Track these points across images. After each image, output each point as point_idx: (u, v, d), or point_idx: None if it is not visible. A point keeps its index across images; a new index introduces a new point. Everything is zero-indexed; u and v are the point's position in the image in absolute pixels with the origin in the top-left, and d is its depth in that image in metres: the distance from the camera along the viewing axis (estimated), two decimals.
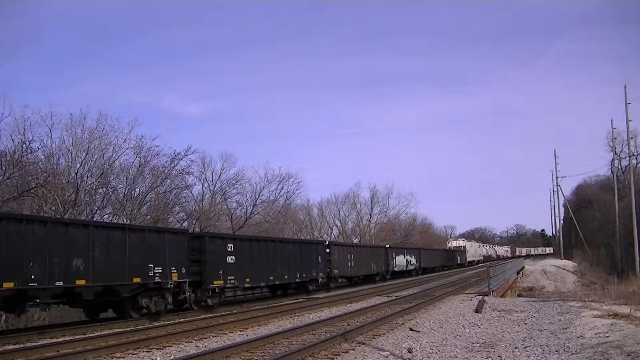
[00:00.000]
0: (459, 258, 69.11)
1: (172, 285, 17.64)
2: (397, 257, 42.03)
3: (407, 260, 44.79)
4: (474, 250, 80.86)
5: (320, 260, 28.19)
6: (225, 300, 22.24)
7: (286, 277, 24.78)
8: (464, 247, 75.82)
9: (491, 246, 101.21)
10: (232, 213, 43.73)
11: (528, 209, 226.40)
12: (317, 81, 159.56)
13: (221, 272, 19.97)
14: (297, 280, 25.82)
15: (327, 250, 29.68)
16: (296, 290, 26.79)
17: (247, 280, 21.76)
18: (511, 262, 56.59)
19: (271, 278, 23.58)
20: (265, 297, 26.37)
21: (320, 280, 28.00)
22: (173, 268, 17.70)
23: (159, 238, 17.51)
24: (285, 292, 26.37)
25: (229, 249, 20.65)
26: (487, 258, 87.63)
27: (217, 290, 19.83)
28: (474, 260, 78.23)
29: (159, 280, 17.07)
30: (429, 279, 39.74)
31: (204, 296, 19.21)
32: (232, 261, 20.70)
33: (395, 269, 41.52)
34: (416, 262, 47.51)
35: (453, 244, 77.65)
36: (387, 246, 41.55)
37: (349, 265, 32.40)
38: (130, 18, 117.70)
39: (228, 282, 20.37)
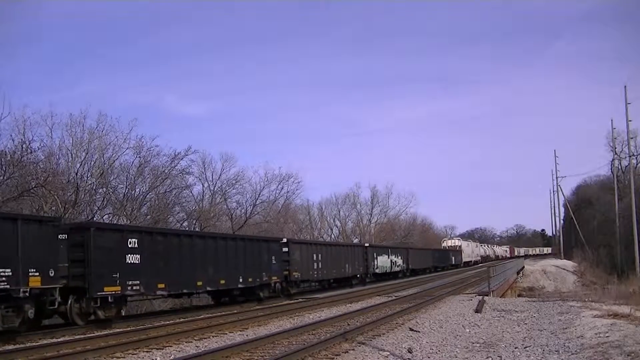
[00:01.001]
0: (453, 258, 65.39)
1: (28, 294, 12.87)
2: (379, 258, 37.71)
3: (391, 260, 40.55)
4: (471, 250, 77.23)
5: (274, 261, 23.58)
6: (131, 313, 18.86)
7: (223, 282, 19.89)
8: (460, 246, 71.91)
9: (489, 246, 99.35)
10: (232, 213, 43.77)
11: (528, 209, 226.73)
12: (317, 81, 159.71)
13: (117, 275, 15.37)
14: (240, 285, 21.08)
15: (285, 249, 25.04)
16: (245, 297, 22.23)
17: (161, 286, 16.90)
18: (511, 262, 56.42)
19: (199, 283, 18.62)
20: (198, 307, 21.86)
21: (274, 285, 23.61)
22: (33, 269, 13.05)
23: (6, 228, 12.77)
24: (234, 300, 21.87)
25: (130, 245, 16.02)
26: (485, 258, 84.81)
27: (110, 300, 15.19)
28: (471, 261, 75.02)
29: (6, 286, 12.46)
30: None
31: (89, 307, 14.72)
32: (136, 261, 16.10)
33: (377, 270, 37.16)
34: (403, 263, 43.56)
35: (448, 243, 73.36)
36: (366, 245, 37.50)
37: (316, 266, 27.88)
38: (130, 18, 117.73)
39: (129, 288, 15.78)
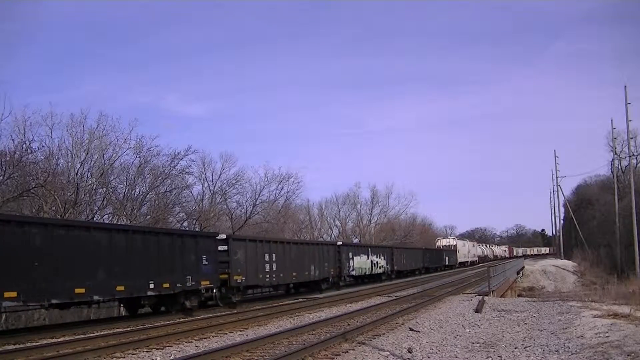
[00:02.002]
0: (447, 259, 61.12)
1: None
2: (355, 258, 33.40)
3: (372, 261, 36.31)
4: (467, 250, 73.51)
5: (205, 262, 19.00)
6: None
7: (121, 288, 15.34)
8: (455, 246, 68.21)
9: (487, 246, 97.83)
10: (232, 213, 43.79)
11: (528, 209, 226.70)
12: (317, 81, 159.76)
13: None
14: (151, 293, 16.49)
15: (223, 247, 20.44)
16: (167, 307, 18.26)
17: (10, 295, 12.21)
18: (511, 262, 55.84)
19: (79, 290, 14.02)
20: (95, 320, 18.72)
21: (204, 291, 19.09)
22: None
23: None
24: (156, 309, 18.51)
25: None
26: (483, 259, 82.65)
27: None
28: (467, 262, 71.54)
29: None
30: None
31: None
32: None
33: (353, 272, 32.99)
34: (386, 264, 39.33)
35: (442, 242, 69.59)
36: (340, 243, 33.24)
37: (268, 269, 23.22)
38: (131, 18, 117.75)
39: None
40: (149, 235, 17.12)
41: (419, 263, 49.09)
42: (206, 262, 19.25)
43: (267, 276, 23.30)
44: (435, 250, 61.32)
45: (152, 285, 16.54)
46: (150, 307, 18.44)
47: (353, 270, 33.01)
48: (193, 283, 18.42)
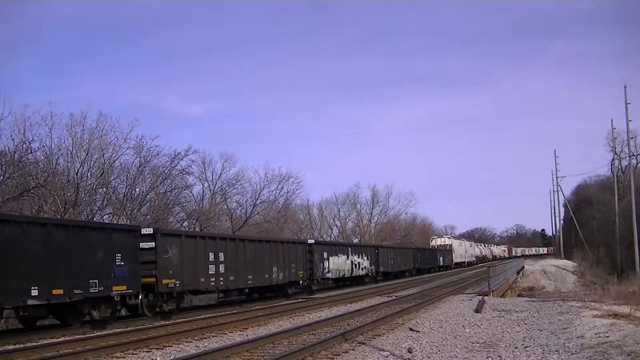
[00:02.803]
0: (442, 259, 57.63)
1: None
2: (331, 258, 29.80)
3: (352, 262, 32.85)
4: (463, 250, 70.33)
5: (120, 262, 15.45)
6: None
7: None
8: (450, 245, 64.85)
9: (486, 245, 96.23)
10: (232, 213, 43.81)
11: (528, 209, 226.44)
12: (317, 81, 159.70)
13: None
14: (32, 302, 13.09)
15: (148, 244, 16.87)
16: (63, 317, 15.03)
17: None
18: (511, 262, 55.59)
19: None
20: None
21: (118, 298, 15.49)
22: None
23: None
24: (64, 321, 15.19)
25: None
26: (481, 259, 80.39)
27: None
28: (464, 262, 68.53)
29: None
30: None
31: None
32: None
33: (329, 275, 29.73)
34: (370, 265, 35.82)
35: (437, 242, 66.19)
36: (311, 242, 29.24)
37: (214, 270, 19.65)
38: (131, 18, 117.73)
39: None
40: (32, 227, 13.39)
41: (409, 264, 45.65)
42: (121, 262, 15.50)
43: (213, 279, 19.57)
44: (428, 250, 57.60)
45: (34, 292, 12.94)
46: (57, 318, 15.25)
47: (328, 272, 29.50)
48: (101, 288, 14.72)
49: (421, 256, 49.95)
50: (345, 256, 32.20)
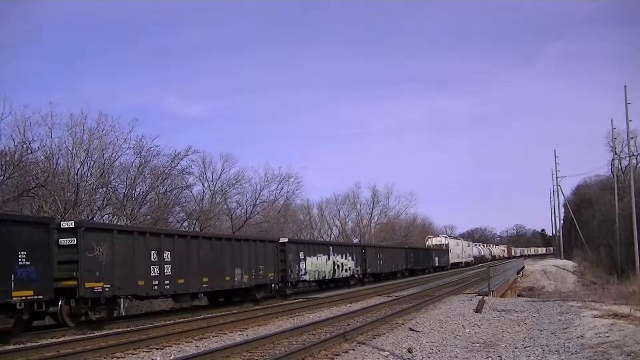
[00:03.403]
0: (437, 259, 54.70)
1: None
2: (309, 259, 26.82)
3: (335, 263, 29.79)
4: (461, 250, 67.57)
5: (25, 262, 12.72)
6: None
7: None
8: (447, 245, 62.42)
9: (485, 245, 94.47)
10: (232, 213, 43.81)
11: (528, 209, 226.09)
12: (317, 81, 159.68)
13: None
14: None
15: (70, 240, 14.43)
16: None
17: None
18: (510, 262, 55.29)
19: None
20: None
21: (21, 305, 12.56)
22: None
23: None
24: None
25: None
26: (480, 259, 78.49)
27: None
28: (461, 262, 65.96)
29: None
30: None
31: None
32: None
33: (306, 277, 26.71)
34: (356, 267, 32.94)
35: (433, 241, 63.56)
36: (283, 240, 25.72)
37: (158, 272, 16.89)
38: (131, 18, 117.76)
39: None
40: None
41: (400, 264, 42.51)
42: (26, 262, 12.76)
43: (156, 283, 16.80)
44: (422, 249, 54.45)
45: None
46: None
47: (305, 274, 26.45)
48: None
49: (414, 256, 46.89)
50: (326, 256, 28.96)
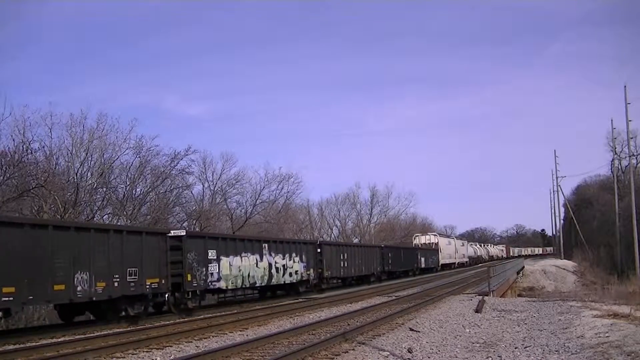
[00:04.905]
0: (423, 260, 48.64)
1: None
2: (224, 259, 20.27)
3: (271, 265, 23.51)
4: (453, 250, 62.58)
5: None
6: None
7: None
8: (436, 244, 57.09)
9: (482, 245, 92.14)
10: (232, 213, 43.80)
11: (528, 209, 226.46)
12: (318, 81, 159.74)
13: None
14: None
15: None
16: None
17: None
18: (510, 263, 54.91)
19: None
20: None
21: None
22: None
23: None
24: None
25: None
26: (476, 260, 75.33)
27: None
28: (454, 263, 61.19)
29: None
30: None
31: None
32: None
33: (218, 284, 19.92)
34: (306, 270, 26.70)
35: (421, 240, 57.86)
36: (179, 234, 18.74)
37: None
38: (131, 19, 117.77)
39: None
40: None
41: (374, 267, 36.15)
42: None
43: None
44: (404, 248, 47.53)
45: None
46: None
47: (218, 279, 19.91)
48: None
49: (393, 257, 40.35)
50: (256, 256, 22.61)
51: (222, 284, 20.32)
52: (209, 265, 19.57)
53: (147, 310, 17.28)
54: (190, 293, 18.54)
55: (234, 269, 21.01)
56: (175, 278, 17.91)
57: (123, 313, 16.02)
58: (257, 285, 23.16)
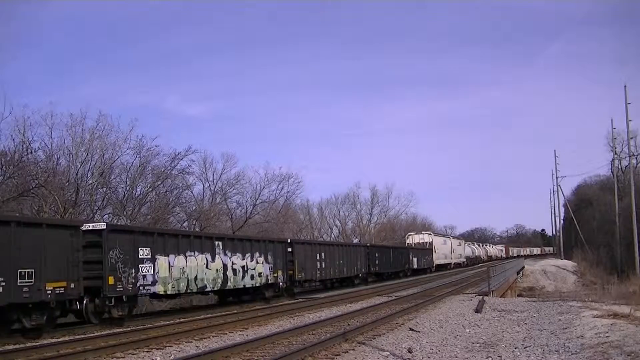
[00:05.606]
0: (415, 260, 46.26)
1: None
2: (161, 259, 17.28)
3: (226, 266, 20.54)
4: (448, 249, 60.08)
5: None
6: None
7: None
8: (430, 243, 54.87)
9: (480, 245, 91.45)
10: (232, 213, 43.80)
11: (528, 209, 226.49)
12: (318, 81, 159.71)
13: None
14: None
15: None
16: None
17: None
18: (510, 263, 54.84)
19: None
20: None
21: None
22: None
23: None
24: None
25: None
26: (474, 260, 74.18)
27: None
28: (450, 264, 59.24)
29: None
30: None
31: None
32: None
33: (154, 288, 16.90)
34: (273, 272, 23.73)
35: (414, 239, 55.64)
36: (99, 227, 15.61)
37: None
38: (131, 19, 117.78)
39: None
40: None
41: (357, 268, 33.47)
42: None
43: None
44: (393, 248, 44.43)
45: None
46: None
47: (154, 283, 16.93)
48: None
49: (381, 257, 37.73)
50: (207, 256, 19.54)
51: (158, 289, 17.06)
52: (140, 265, 16.39)
53: (53, 321, 13.97)
54: (113, 299, 15.27)
55: (175, 270, 17.76)
56: (93, 281, 14.82)
57: (17, 325, 12.84)
58: (208, 289, 19.98)
